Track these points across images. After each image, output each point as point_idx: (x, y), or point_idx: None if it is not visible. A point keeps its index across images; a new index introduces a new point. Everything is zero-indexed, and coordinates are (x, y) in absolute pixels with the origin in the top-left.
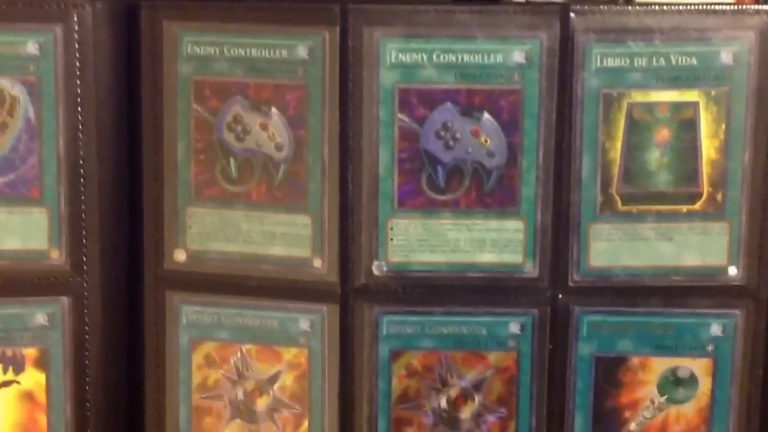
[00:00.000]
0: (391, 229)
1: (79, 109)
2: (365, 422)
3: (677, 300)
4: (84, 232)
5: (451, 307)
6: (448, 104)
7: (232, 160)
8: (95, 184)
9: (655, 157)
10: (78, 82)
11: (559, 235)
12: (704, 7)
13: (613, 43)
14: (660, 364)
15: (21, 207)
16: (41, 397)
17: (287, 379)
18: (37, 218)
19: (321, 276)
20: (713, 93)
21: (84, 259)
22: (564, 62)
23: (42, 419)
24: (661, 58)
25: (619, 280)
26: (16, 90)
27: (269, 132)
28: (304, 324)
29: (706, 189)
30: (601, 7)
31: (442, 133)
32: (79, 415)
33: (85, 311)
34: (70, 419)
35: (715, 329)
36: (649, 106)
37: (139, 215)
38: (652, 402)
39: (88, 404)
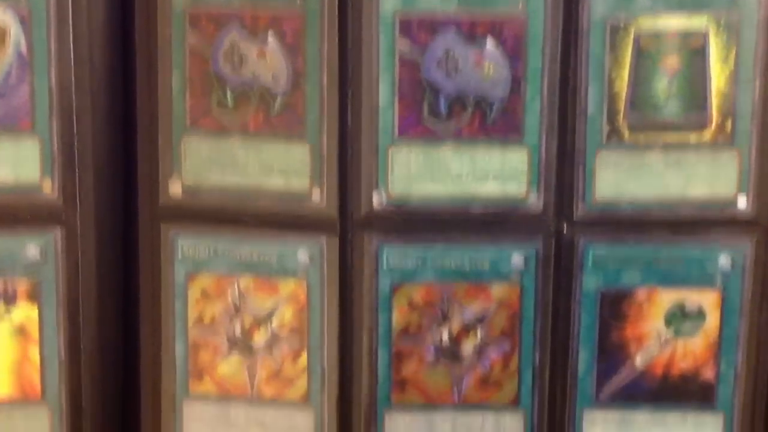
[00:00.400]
0: (392, 158)
1: (72, 39)
2: (365, 357)
3: (685, 231)
4: (77, 163)
5: (452, 240)
6: (450, 32)
7: (228, 91)
8: (88, 116)
9: (662, 86)
10: (70, 12)
11: (564, 166)
12: None
13: None
14: (667, 297)
15: (12, 138)
16: (34, 331)
17: (285, 313)
18: (28, 149)
19: (320, 207)
20: (723, 20)
21: (77, 190)
22: None
23: (35, 353)
24: None
25: (626, 211)
26: (8, 18)
27: (266, 61)
28: (302, 256)
29: (714, 118)
30: None
31: (444, 62)
32: (72, 349)
33: (78, 244)
34: (63, 354)
35: (724, 261)
36: (657, 35)
37: (133, 147)
38: (659, 336)
39: (81, 339)
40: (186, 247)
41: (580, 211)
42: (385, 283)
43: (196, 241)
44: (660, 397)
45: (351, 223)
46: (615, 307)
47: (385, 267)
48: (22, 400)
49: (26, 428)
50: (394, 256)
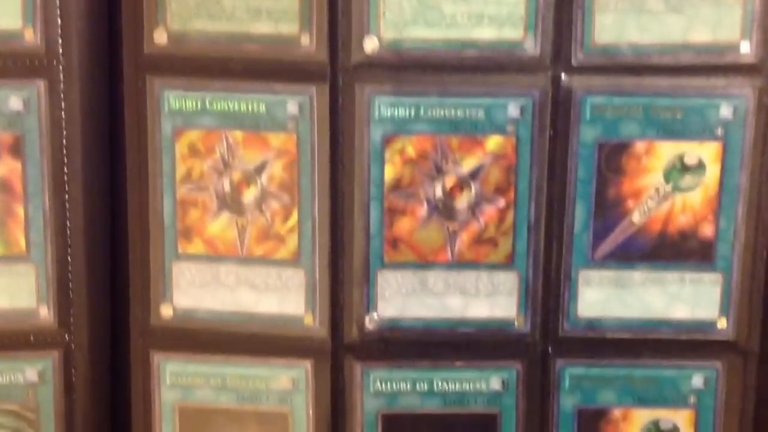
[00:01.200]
0: (384, 2)
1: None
2: (357, 213)
3: (686, 80)
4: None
5: (446, 88)
6: None
7: None
8: None
9: None
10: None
11: (562, 8)
12: None
13: None
14: (666, 150)
15: None
16: (17, 185)
17: (275, 168)
18: None
19: (310, 55)
20: None
21: (60, 41)
22: None
23: (19, 210)
24: None
25: (625, 57)
26: None
27: None
28: (292, 107)
29: None
30: None
31: None
32: (57, 205)
33: (62, 95)
34: (48, 209)
35: (725, 110)
36: None
37: None
38: (657, 190)
39: (66, 195)
40: (172, 99)
41: (578, 57)
42: (377, 135)
43: (183, 92)
44: (657, 255)
45: (342, 71)
46: (613, 159)
47: (377, 117)
48: (6, 257)
49: (11, 285)
50: (386, 105)
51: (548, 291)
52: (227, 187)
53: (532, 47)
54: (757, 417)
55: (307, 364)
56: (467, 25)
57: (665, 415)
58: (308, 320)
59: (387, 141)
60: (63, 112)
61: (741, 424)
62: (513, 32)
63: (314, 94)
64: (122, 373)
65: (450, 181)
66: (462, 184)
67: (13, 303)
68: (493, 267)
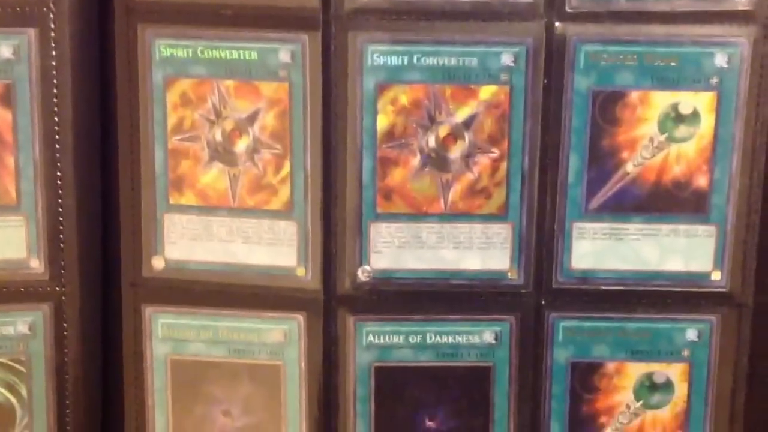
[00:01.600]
0: None
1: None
2: (350, 163)
3: (681, 27)
4: None
5: (440, 37)
6: None
7: None
8: None
9: None
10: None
11: None
12: None
13: None
14: (661, 99)
15: None
16: (8, 135)
17: (267, 118)
18: None
19: (302, 1)
20: None
21: None
22: None
23: (9, 159)
24: None
25: (619, 4)
26: None
27: None
28: (284, 55)
29: None
30: None
31: None
32: (48, 155)
33: (52, 44)
34: (39, 159)
35: (720, 60)
36: None
37: None
38: (651, 140)
39: (57, 145)
40: (164, 48)
41: (572, 3)
42: (369, 83)
43: (174, 41)
44: (651, 206)
45: (334, 18)
46: (607, 108)
47: (369, 66)
48: None
49: (1, 236)
50: (379, 54)
51: (542, 243)
52: (219, 137)
53: None
54: (752, 370)
55: (299, 317)
56: None
57: (659, 369)
58: (300, 272)
59: (380, 90)
60: (54, 61)
61: (735, 377)
62: None
63: (306, 41)
64: (114, 327)
65: (443, 131)
66: (455, 134)
67: (4, 254)
68: (487, 218)
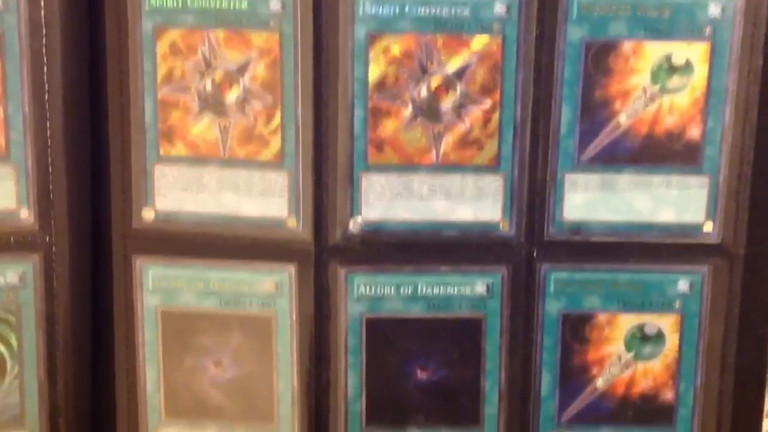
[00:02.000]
0: None
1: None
2: (341, 113)
3: None
4: None
5: None
6: None
7: None
8: None
9: None
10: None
11: None
12: None
13: None
14: (654, 50)
15: None
16: None
17: (258, 68)
18: None
19: None
20: None
21: None
22: None
23: None
24: None
25: None
26: None
27: None
28: (274, 4)
29: None
30: None
31: None
32: (37, 105)
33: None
34: (28, 109)
35: (714, 10)
36: None
37: None
38: (644, 91)
39: (46, 95)
40: None
41: None
42: (360, 33)
43: None
44: (644, 158)
45: None
46: (600, 59)
47: (360, 15)
48: None
49: None
50: (370, 3)
51: (533, 194)
52: (209, 88)
53: None
54: (742, 321)
55: (290, 268)
56: None
57: (650, 320)
58: (292, 223)
59: (371, 40)
60: (43, 11)
61: (726, 328)
62: None
63: None
64: (105, 280)
65: (435, 81)
66: (447, 84)
67: None
68: (479, 169)
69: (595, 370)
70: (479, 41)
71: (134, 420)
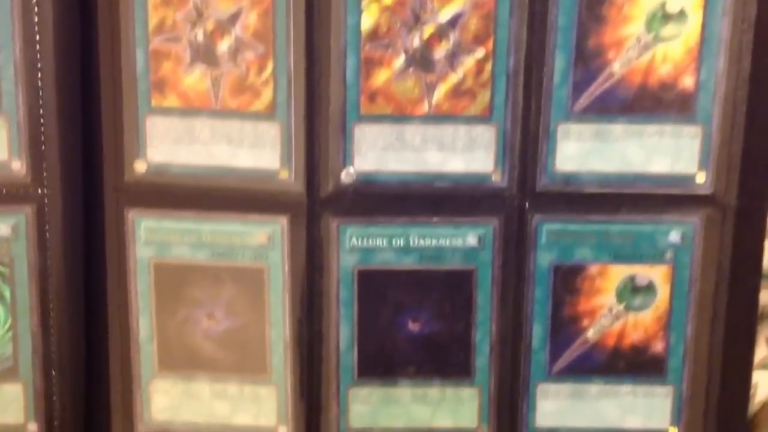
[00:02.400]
0: None
1: None
2: (333, 64)
3: None
4: None
5: None
6: None
7: None
8: None
9: None
10: None
11: None
12: None
13: None
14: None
15: None
16: None
17: (250, 17)
18: None
19: None
20: None
21: None
22: None
23: None
24: None
25: None
26: None
27: None
28: None
29: None
30: None
31: None
32: (28, 56)
33: None
34: (19, 60)
35: None
36: None
37: None
38: (638, 40)
39: (37, 45)
40: None
41: None
42: None
43: None
44: (637, 108)
45: None
46: (593, 6)
47: None
48: None
49: None
50: None
51: (526, 145)
52: (201, 38)
53: None
54: (733, 273)
55: (282, 220)
56: None
57: (641, 272)
58: (284, 175)
59: None
60: None
61: (717, 279)
62: None
63: None
64: (97, 233)
65: (428, 30)
66: (440, 33)
67: None
68: (471, 120)
69: (586, 322)
70: None
71: (128, 372)
